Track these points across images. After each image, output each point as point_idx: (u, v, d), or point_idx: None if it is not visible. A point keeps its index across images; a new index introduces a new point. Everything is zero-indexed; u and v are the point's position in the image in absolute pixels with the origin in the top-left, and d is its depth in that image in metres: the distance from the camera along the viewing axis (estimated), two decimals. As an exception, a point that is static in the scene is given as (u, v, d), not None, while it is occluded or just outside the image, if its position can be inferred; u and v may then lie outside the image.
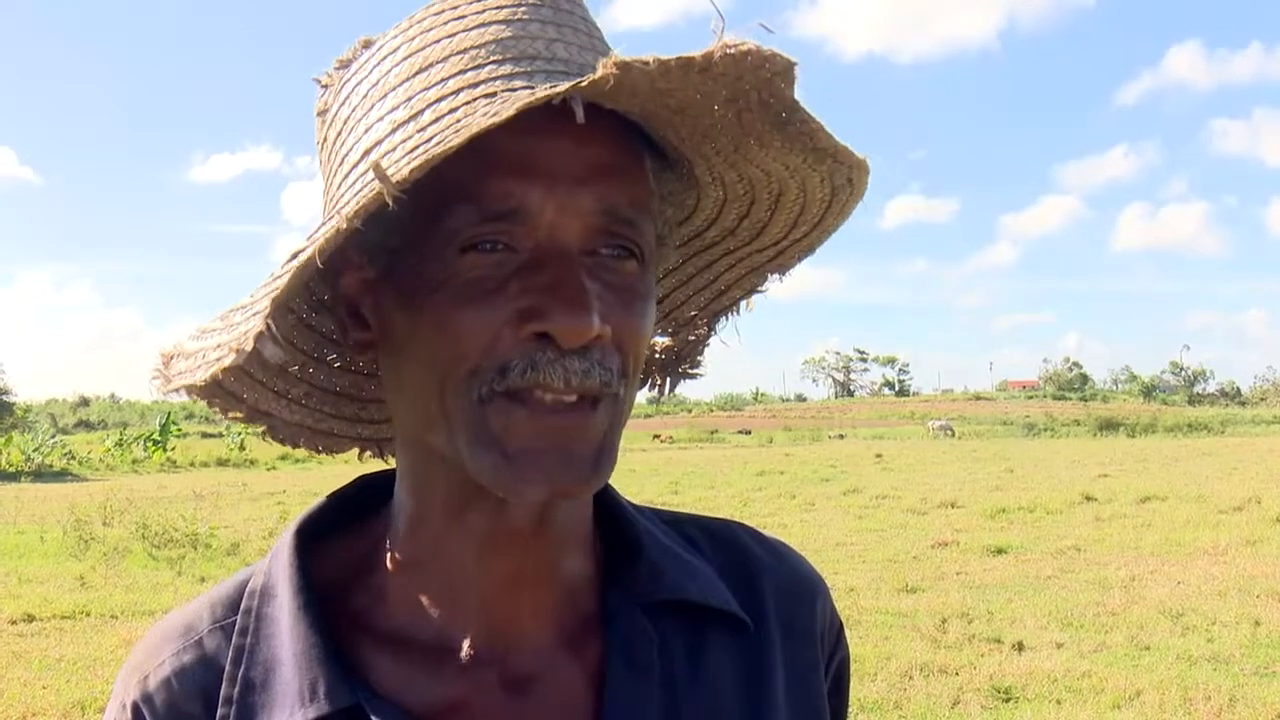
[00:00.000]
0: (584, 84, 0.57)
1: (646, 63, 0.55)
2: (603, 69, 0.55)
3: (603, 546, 0.79)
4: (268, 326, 0.61)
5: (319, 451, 0.82)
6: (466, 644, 0.71)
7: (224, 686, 0.70)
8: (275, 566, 0.75)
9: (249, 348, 0.61)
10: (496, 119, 0.57)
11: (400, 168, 0.58)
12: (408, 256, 0.65)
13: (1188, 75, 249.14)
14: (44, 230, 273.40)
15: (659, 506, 0.88)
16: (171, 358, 0.69)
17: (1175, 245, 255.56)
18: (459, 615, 0.72)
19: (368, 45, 0.72)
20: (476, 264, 0.64)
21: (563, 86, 0.57)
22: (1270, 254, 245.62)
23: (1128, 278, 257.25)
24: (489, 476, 0.65)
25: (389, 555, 0.74)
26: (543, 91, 0.57)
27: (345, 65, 0.74)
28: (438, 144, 0.59)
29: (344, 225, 0.58)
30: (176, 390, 0.68)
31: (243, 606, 0.74)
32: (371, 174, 0.60)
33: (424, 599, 0.73)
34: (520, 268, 0.64)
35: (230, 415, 0.72)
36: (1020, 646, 7.26)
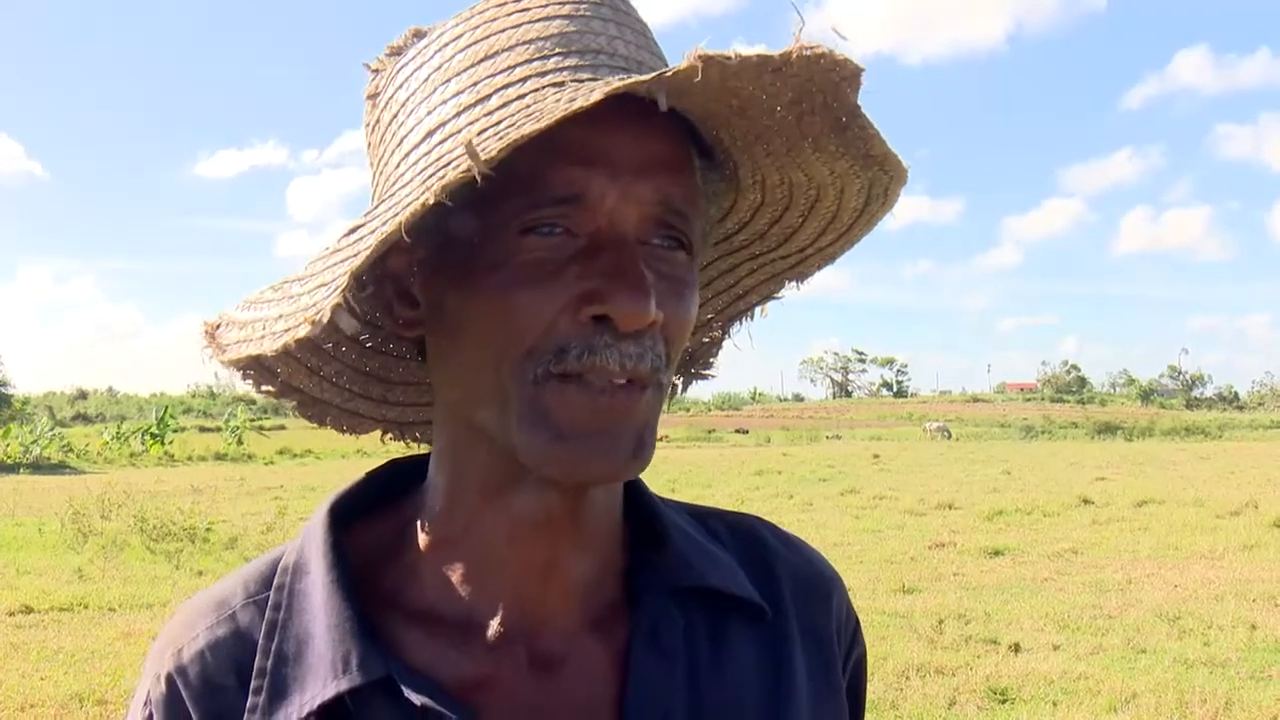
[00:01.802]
0: (669, 75, 0.58)
1: (728, 57, 0.57)
2: (688, 61, 0.57)
3: (630, 533, 0.80)
4: (345, 299, 0.61)
5: (343, 431, 0.83)
6: (496, 623, 0.72)
7: (258, 659, 0.71)
8: (308, 544, 0.76)
9: (326, 319, 0.61)
10: (584, 104, 0.58)
11: (488, 147, 0.59)
12: (465, 236, 0.66)
13: (1194, 80, 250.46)
14: (48, 225, 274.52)
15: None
16: (218, 327, 0.70)
17: (1178, 249, 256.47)
18: (489, 594, 0.73)
19: (419, 34, 0.74)
20: (536, 246, 0.65)
21: (647, 76, 0.59)
22: (1273, 258, 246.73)
23: (1130, 281, 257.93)
24: (538, 456, 0.66)
25: (421, 534, 0.76)
26: (619, 82, 0.59)
27: (398, 52, 0.75)
28: (516, 126, 0.60)
29: (432, 200, 0.59)
30: (235, 361, 0.68)
31: (276, 582, 0.75)
32: (449, 152, 0.62)
33: (455, 577, 0.74)
34: (579, 252, 0.65)
35: (263, 389, 0.73)
36: (1017, 648, 7.28)
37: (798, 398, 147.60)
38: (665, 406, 0.72)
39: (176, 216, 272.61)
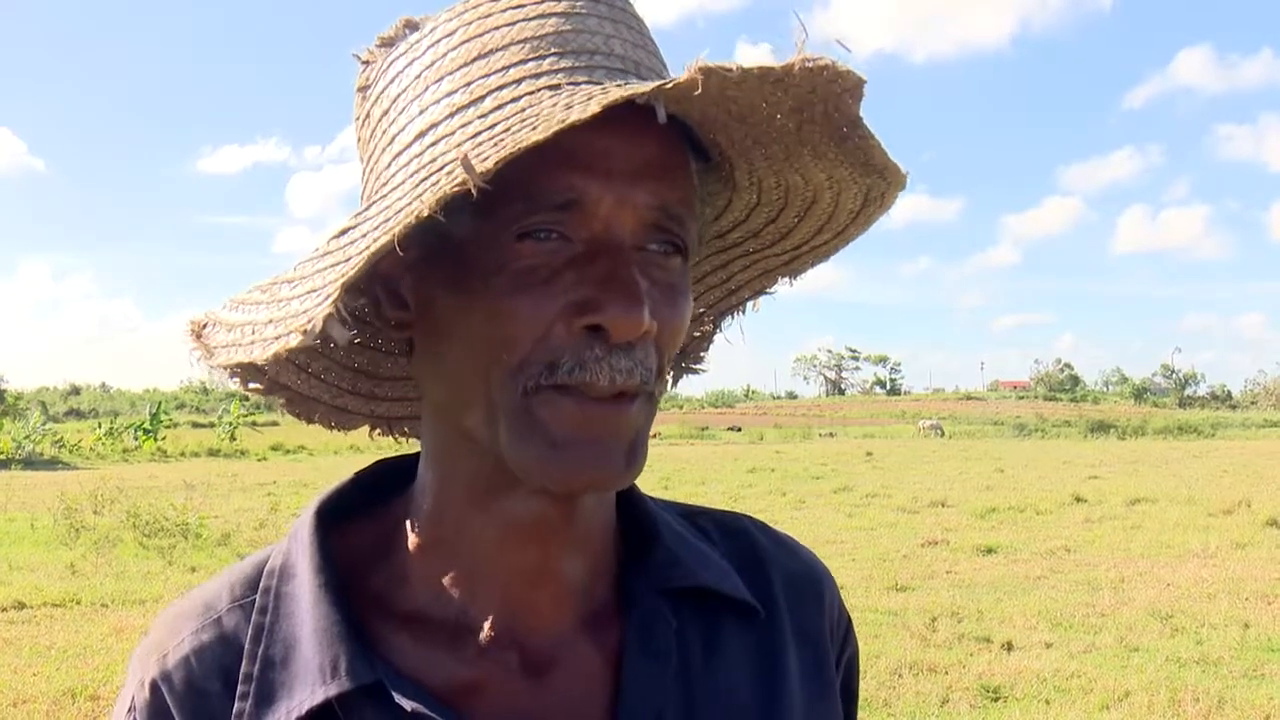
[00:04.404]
0: (669, 87, 0.57)
1: (729, 69, 0.56)
2: (688, 73, 0.56)
3: (622, 534, 0.79)
4: (337, 308, 0.60)
5: (331, 427, 0.82)
6: (486, 626, 0.72)
7: (244, 664, 0.70)
8: (295, 546, 0.75)
9: (319, 329, 0.60)
10: (580, 116, 0.57)
11: (482, 158, 0.58)
12: (459, 240, 0.65)
13: (1196, 80, 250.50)
14: (49, 220, 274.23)
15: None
16: (205, 326, 0.69)
17: (1176, 248, 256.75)
18: (479, 598, 0.72)
19: (411, 26, 0.72)
20: (531, 252, 0.64)
21: (647, 87, 0.58)
22: (1270, 258, 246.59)
23: (1127, 280, 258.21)
24: (530, 466, 0.65)
25: (410, 536, 0.75)
26: (617, 90, 0.58)
27: (389, 44, 0.73)
28: (512, 133, 0.59)
29: (425, 213, 0.58)
30: (225, 366, 0.67)
31: (262, 585, 0.74)
32: (442, 155, 0.61)
33: (445, 580, 0.73)
34: (574, 258, 0.65)
35: (251, 387, 0.72)
36: (1009, 646, 7.29)
37: (791, 395, 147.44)
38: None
39: (178, 213, 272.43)
